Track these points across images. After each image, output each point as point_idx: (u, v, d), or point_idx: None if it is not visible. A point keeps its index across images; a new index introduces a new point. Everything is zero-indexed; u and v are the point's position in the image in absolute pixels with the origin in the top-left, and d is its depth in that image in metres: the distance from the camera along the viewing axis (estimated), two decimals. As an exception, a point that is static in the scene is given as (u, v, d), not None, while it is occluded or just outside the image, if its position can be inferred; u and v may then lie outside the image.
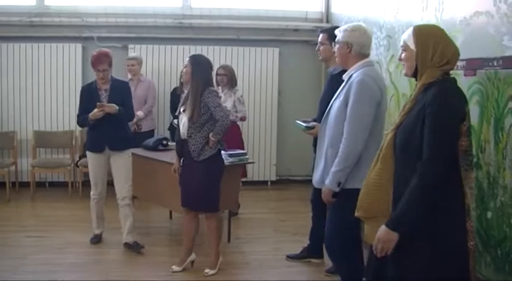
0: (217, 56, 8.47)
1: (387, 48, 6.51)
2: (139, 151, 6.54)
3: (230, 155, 5.80)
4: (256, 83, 8.76)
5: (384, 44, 6.60)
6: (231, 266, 5.51)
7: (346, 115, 3.79)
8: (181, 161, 5.21)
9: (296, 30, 8.94)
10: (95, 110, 5.61)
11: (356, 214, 3.20)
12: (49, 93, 8.44)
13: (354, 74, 3.89)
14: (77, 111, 5.99)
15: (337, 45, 4.04)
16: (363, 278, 3.30)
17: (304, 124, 4.80)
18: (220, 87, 7.13)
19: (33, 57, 8.37)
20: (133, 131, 7.50)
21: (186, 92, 5.26)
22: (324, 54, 5.22)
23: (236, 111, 7.06)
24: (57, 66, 8.34)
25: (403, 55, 3.10)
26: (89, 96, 5.85)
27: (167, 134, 7.57)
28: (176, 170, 5.22)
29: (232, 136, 6.92)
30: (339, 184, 3.82)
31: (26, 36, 8.44)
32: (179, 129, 5.13)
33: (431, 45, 2.94)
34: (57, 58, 8.34)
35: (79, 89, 8.01)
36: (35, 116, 8.46)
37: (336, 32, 4.09)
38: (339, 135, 3.83)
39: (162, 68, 8.61)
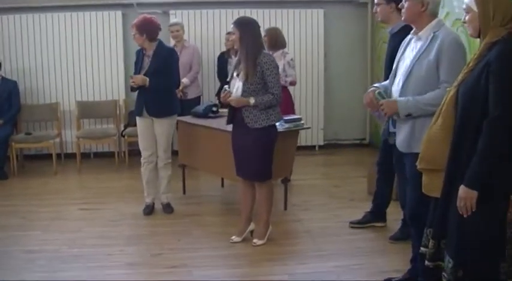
0: (260, 19, 8.15)
1: (442, 5, 6.15)
2: (188, 119, 6.39)
3: (286, 121, 5.60)
4: (301, 46, 8.47)
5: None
6: (291, 235, 5.37)
7: (439, 75, 3.66)
8: (232, 127, 5.05)
9: (341, -11, 8.64)
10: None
11: (418, 167, 3.32)
12: (90, 63, 8.32)
13: (439, 33, 3.69)
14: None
15: (407, 3, 3.80)
16: (428, 228, 3.36)
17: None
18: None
19: (73, 27, 8.24)
20: (179, 98, 7.38)
21: (237, 56, 5.04)
22: (382, 15, 5.06)
23: (286, 76, 6.81)
24: (98, 35, 8.19)
25: (466, 17, 3.13)
26: (137, 60, 5.92)
27: (214, 100, 7.36)
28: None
29: (283, 101, 6.71)
30: (408, 115, 3.74)
31: (64, 5, 8.31)
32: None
33: (491, 5, 2.97)
34: (97, 26, 8.18)
35: (121, 57, 8.04)
36: (77, 86, 8.36)
37: None
38: None
39: (205, 33, 8.39)
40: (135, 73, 5.81)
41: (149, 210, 5.97)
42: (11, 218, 5.86)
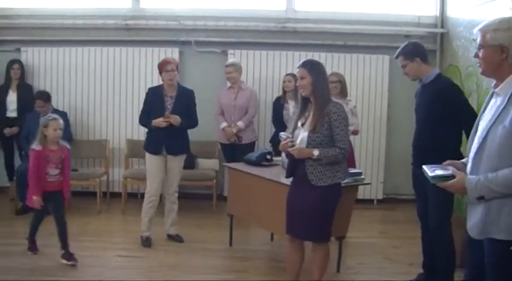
0: (322, 63, 7.83)
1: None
2: (240, 166, 6.04)
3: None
4: (364, 94, 8.05)
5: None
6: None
7: None
8: (291, 182, 4.58)
9: (407, 36, 8.15)
10: (160, 119, 5.93)
11: None
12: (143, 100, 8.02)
13: None
14: (140, 111, 6.29)
15: (483, 51, 3.08)
16: None
17: (440, 172, 3.30)
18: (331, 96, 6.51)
19: (128, 62, 8.09)
20: (232, 143, 7.09)
21: (298, 103, 4.61)
22: (413, 73, 4.81)
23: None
24: (153, 72, 7.90)
25: None
26: (154, 99, 6.12)
27: (269, 147, 6.97)
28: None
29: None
30: (480, 197, 2.99)
31: (121, 40, 8.21)
32: None
33: None
34: (153, 63, 7.90)
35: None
36: (128, 123, 8.15)
37: (478, 31, 3.10)
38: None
39: (264, 75, 8.08)
40: (157, 113, 5.99)
41: (149, 242, 6.14)
42: (45, 260, 5.58)
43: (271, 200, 5.20)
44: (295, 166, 4.45)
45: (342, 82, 6.63)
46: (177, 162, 6.18)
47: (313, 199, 4.33)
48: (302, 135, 4.36)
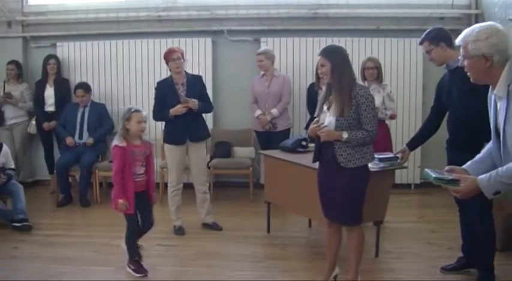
0: (355, 48, 7.82)
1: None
2: (276, 153, 6.04)
3: (380, 160, 5.12)
4: (398, 78, 7.97)
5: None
6: (382, 287, 4.86)
7: None
8: (318, 166, 4.59)
9: (441, 18, 8.07)
10: (178, 105, 5.99)
11: None
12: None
13: None
14: (153, 107, 6.27)
15: (467, 62, 3.16)
16: None
17: (443, 176, 3.37)
18: (367, 82, 6.49)
19: (162, 53, 8.01)
20: (267, 131, 7.11)
21: (325, 88, 4.61)
22: (439, 59, 4.73)
23: (385, 109, 6.42)
24: (186, 62, 7.97)
25: None
26: (166, 91, 6.15)
27: (304, 134, 6.96)
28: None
29: (381, 137, 6.30)
30: (496, 193, 3.07)
31: (154, 32, 8.29)
32: None
33: None
34: (186, 53, 7.90)
35: (209, 84, 7.82)
36: (164, 113, 8.15)
37: (460, 42, 3.19)
38: None
39: (296, 62, 8.05)
40: (172, 103, 6.04)
41: (182, 231, 6.21)
42: (85, 250, 5.68)
43: (308, 187, 5.18)
44: (322, 150, 4.47)
45: (378, 68, 6.58)
46: (200, 149, 6.26)
47: (343, 181, 4.33)
48: (329, 119, 4.34)
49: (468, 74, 3.24)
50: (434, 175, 3.24)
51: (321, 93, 6.96)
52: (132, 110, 4.93)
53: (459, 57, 3.27)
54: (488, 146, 3.42)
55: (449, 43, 4.69)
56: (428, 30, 4.83)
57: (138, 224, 5.08)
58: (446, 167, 3.43)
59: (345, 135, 4.25)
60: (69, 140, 7.65)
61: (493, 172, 3.04)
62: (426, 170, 3.37)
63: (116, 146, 4.87)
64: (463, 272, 5.01)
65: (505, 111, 3.06)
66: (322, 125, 4.33)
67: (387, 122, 6.61)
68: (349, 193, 4.36)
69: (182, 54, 6.17)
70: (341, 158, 4.31)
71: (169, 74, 6.28)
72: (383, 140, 6.19)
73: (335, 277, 4.76)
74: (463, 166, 3.43)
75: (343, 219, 4.49)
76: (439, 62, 4.76)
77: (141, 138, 5.03)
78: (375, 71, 6.52)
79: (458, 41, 3.21)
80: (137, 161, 4.94)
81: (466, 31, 3.17)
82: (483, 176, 3.08)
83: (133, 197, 4.88)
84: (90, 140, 7.69)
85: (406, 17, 8.11)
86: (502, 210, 5.30)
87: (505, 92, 3.05)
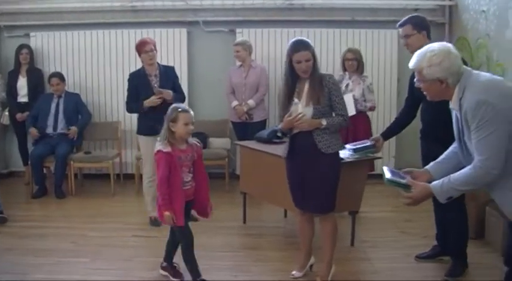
0: (330, 39, 7.91)
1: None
2: (251, 144, 6.06)
3: (355, 150, 5.16)
4: (373, 69, 7.98)
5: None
6: (358, 276, 4.92)
7: None
8: (292, 158, 4.62)
9: (416, 9, 8.12)
10: (153, 97, 5.98)
11: None
12: (153, 81, 8.07)
13: (464, 101, 3.16)
14: (126, 99, 6.28)
15: (423, 85, 3.27)
16: None
17: (396, 179, 3.41)
18: (347, 73, 6.54)
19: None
20: (244, 121, 7.12)
21: (285, 81, 4.58)
22: (416, 46, 4.40)
23: (365, 101, 6.50)
24: (161, 52, 7.85)
25: None
26: (139, 83, 6.13)
27: (280, 124, 6.97)
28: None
29: (363, 128, 6.36)
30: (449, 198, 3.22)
31: (128, 22, 8.20)
32: None
33: None
34: (161, 44, 7.89)
35: (184, 75, 7.80)
36: (139, 105, 8.11)
37: (414, 66, 3.28)
38: None
39: (272, 53, 8.03)
40: (146, 95, 6.04)
41: (158, 222, 5.83)
42: (61, 242, 5.64)
43: (283, 177, 5.14)
44: (296, 141, 4.53)
45: (357, 59, 6.62)
46: None
47: (325, 166, 4.42)
48: (306, 109, 4.40)
49: (425, 93, 3.36)
50: (388, 177, 3.33)
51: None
52: (179, 109, 4.40)
53: (415, 80, 3.33)
54: (452, 147, 3.51)
55: (429, 34, 4.75)
56: (411, 15, 4.87)
57: (191, 235, 4.56)
58: (407, 169, 3.53)
59: (324, 122, 4.37)
60: (32, 132, 7.54)
61: (446, 179, 3.18)
62: (384, 168, 3.45)
63: (160, 151, 4.35)
64: (437, 260, 5.10)
65: (461, 125, 3.22)
66: (300, 116, 4.37)
67: (368, 113, 6.69)
68: (331, 178, 4.46)
69: (154, 45, 6.16)
70: (321, 144, 4.41)
71: (142, 65, 6.24)
72: (364, 131, 6.27)
73: (311, 266, 4.84)
74: (426, 167, 3.55)
75: (320, 207, 4.54)
76: (414, 49, 4.68)
77: (187, 141, 4.50)
78: (354, 62, 6.56)
79: (411, 65, 3.30)
80: (184, 167, 4.43)
81: (417, 55, 3.26)
82: (436, 182, 3.22)
83: (182, 208, 4.37)
84: (73, 130, 7.59)
85: (382, 8, 8.15)
86: (475, 199, 5.37)
87: (458, 105, 3.18)
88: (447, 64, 3.14)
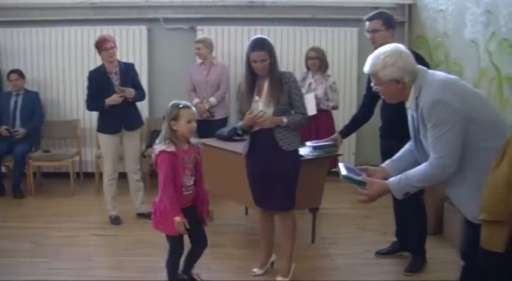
0: (291, 37, 7.94)
1: (486, 24, 5.78)
2: (212, 141, 6.03)
3: (315, 148, 5.19)
4: (334, 67, 7.96)
5: (481, 20, 5.87)
6: (319, 272, 4.95)
7: None
8: (247, 154, 4.67)
9: (376, 7, 8.15)
10: (114, 95, 5.93)
11: (479, 217, 2.85)
12: (113, 79, 8.00)
13: (420, 100, 3.19)
14: (86, 97, 6.19)
15: (380, 88, 3.30)
16: None
17: (353, 176, 3.41)
18: (310, 71, 6.57)
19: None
20: (205, 119, 7.10)
21: (246, 79, 4.61)
22: (380, 42, 4.55)
23: (327, 100, 6.54)
24: (121, 50, 7.79)
25: None
26: (99, 81, 6.05)
27: (241, 122, 6.97)
28: None
29: (324, 125, 6.39)
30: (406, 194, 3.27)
31: (87, 19, 8.08)
32: None
33: None
34: (121, 41, 7.84)
35: (145, 73, 7.75)
36: (99, 103, 8.04)
37: (369, 71, 3.32)
38: None
39: (233, 50, 8.03)
40: (106, 93, 5.96)
41: (119, 220, 6.14)
42: (21, 242, 5.55)
43: (244, 175, 5.17)
44: (256, 139, 4.55)
45: (320, 58, 6.67)
46: (134, 137, 6.27)
47: (287, 164, 4.46)
48: (265, 109, 4.42)
49: (383, 97, 3.40)
50: (344, 173, 3.34)
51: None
52: (181, 106, 4.06)
53: (372, 84, 3.37)
54: (408, 144, 3.56)
55: (394, 33, 4.79)
56: (381, 11, 4.92)
57: (183, 247, 4.30)
58: (363, 166, 3.58)
59: (285, 119, 4.42)
60: (3, 131, 7.42)
61: (403, 175, 3.22)
62: (340, 164, 3.47)
63: (163, 151, 3.98)
64: (396, 255, 5.17)
65: (417, 125, 3.25)
66: (261, 113, 4.37)
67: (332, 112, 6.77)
68: (291, 176, 4.50)
69: (114, 42, 6.10)
70: (282, 142, 4.45)
71: (101, 62, 6.18)
72: (328, 129, 6.31)
73: (272, 263, 4.86)
74: (382, 164, 3.59)
75: (280, 205, 4.56)
76: (378, 45, 4.68)
77: (189, 141, 4.17)
78: (316, 61, 6.61)
79: (366, 70, 3.33)
80: (187, 169, 4.10)
81: (371, 59, 3.29)
82: (393, 179, 3.26)
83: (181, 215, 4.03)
84: (22, 132, 7.42)
85: (342, 6, 8.18)
86: (434, 195, 5.45)
87: (414, 104, 3.21)
88: (401, 63, 3.18)
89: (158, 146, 4.04)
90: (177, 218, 3.95)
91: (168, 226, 4.02)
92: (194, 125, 4.08)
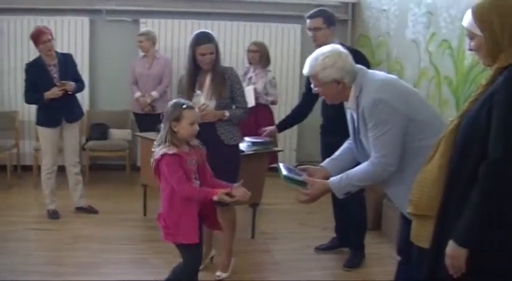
0: (235, 32, 7.96)
1: (427, 25, 5.92)
2: (152, 135, 5.94)
3: (254, 143, 5.24)
4: (276, 64, 8.03)
5: (423, 21, 6.01)
6: (259, 267, 5.02)
7: None
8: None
9: (320, 5, 8.24)
10: (54, 88, 5.80)
11: (407, 211, 2.84)
12: (53, 71, 7.84)
13: (360, 99, 3.22)
14: (24, 90, 6.06)
15: (320, 89, 3.30)
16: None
17: (293, 176, 3.43)
18: (252, 65, 6.59)
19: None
20: (147, 113, 7.05)
21: (187, 73, 4.66)
22: (322, 41, 4.60)
23: (267, 95, 6.57)
24: (63, 41, 7.70)
25: (472, 44, 2.56)
26: (38, 73, 5.91)
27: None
28: None
29: (264, 120, 6.42)
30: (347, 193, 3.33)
31: (27, 9, 7.83)
32: None
33: (497, 23, 2.42)
34: (63, 33, 7.73)
35: (86, 65, 7.63)
36: (38, 94, 7.87)
37: (308, 73, 3.32)
38: None
39: (176, 44, 7.97)
40: (46, 85, 5.83)
41: (57, 214, 6.06)
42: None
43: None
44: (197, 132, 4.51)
45: (260, 52, 6.71)
46: (74, 130, 6.17)
47: (227, 158, 4.50)
48: (206, 103, 4.47)
49: (324, 98, 3.45)
50: (284, 173, 3.36)
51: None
52: (184, 106, 3.67)
53: (312, 86, 3.39)
54: (347, 143, 3.60)
55: (335, 30, 4.83)
56: (322, 9, 4.92)
57: (200, 257, 3.98)
58: (303, 166, 3.59)
59: (227, 113, 4.50)
60: None
61: (344, 175, 3.25)
62: (280, 164, 3.48)
63: (165, 155, 3.60)
64: (336, 251, 5.25)
65: (357, 123, 3.28)
66: (204, 106, 4.39)
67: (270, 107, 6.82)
68: (232, 170, 4.53)
69: (51, 34, 5.97)
70: (223, 136, 4.53)
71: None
72: (267, 123, 6.31)
73: (211, 258, 4.88)
74: (322, 164, 3.61)
75: None
76: (319, 44, 4.61)
77: (190, 144, 3.81)
78: (256, 54, 6.64)
79: (306, 72, 3.34)
80: (191, 173, 3.73)
81: (310, 61, 3.30)
82: (334, 179, 3.28)
83: (196, 221, 3.73)
84: None
85: (286, 2, 8.21)
86: (374, 192, 5.54)
87: (355, 103, 3.24)
88: (341, 64, 3.21)
89: (158, 149, 3.67)
90: (217, 191, 3.60)
91: (186, 233, 3.68)
92: (197, 127, 3.71)
